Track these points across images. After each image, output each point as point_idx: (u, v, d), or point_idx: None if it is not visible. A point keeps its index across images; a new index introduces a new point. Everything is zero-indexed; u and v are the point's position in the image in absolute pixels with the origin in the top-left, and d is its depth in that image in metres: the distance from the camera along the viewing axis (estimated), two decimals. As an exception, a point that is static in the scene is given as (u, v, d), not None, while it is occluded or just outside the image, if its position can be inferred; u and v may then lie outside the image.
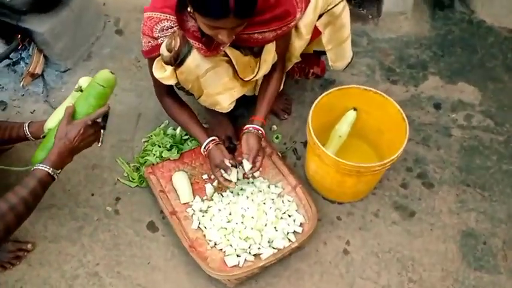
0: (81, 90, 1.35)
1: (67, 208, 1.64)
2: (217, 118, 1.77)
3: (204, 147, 1.52)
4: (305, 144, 1.83)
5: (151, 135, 1.81)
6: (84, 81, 1.37)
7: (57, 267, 1.50)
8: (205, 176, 1.70)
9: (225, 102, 1.53)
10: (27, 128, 1.41)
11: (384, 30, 2.26)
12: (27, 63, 1.96)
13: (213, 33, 1.21)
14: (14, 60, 1.98)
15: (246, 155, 1.48)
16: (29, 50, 1.96)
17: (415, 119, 1.90)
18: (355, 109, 1.66)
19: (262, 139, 1.53)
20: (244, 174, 1.53)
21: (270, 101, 1.58)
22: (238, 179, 1.63)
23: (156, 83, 1.49)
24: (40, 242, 1.55)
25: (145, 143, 1.80)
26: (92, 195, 1.67)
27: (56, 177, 1.20)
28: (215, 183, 1.66)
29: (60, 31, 1.89)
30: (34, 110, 1.89)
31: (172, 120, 1.65)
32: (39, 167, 1.17)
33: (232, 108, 1.57)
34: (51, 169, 1.18)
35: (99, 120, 1.29)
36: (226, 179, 1.50)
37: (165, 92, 1.55)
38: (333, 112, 1.66)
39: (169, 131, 1.82)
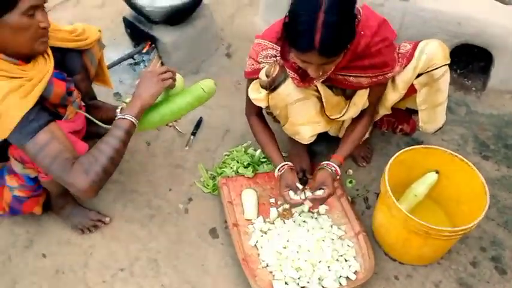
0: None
1: (146, 196, 1.80)
2: (297, 149, 1.85)
3: (279, 169, 1.59)
4: (378, 195, 1.82)
5: (233, 151, 1.94)
6: (178, 78, 1.50)
7: (124, 245, 1.65)
8: (272, 200, 1.77)
9: (307, 134, 1.60)
10: (118, 111, 1.55)
11: (485, 105, 2.21)
12: (145, 66, 2.25)
13: (303, 66, 1.30)
14: (136, 61, 2.28)
15: (316, 187, 1.52)
16: (150, 54, 2.25)
17: (501, 200, 1.80)
18: (437, 172, 1.63)
19: (336, 177, 1.55)
20: (310, 207, 1.58)
21: (353, 145, 1.62)
22: (303, 211, 1.68)
23: (249, 101, 1.62)
24: (116, 219, 1.72)
25: (226, 157, 1.94)
26: (170, 190, 1.83)
27: (136, 123, 1.32)
28: (280, 209, 1.72)
29: (181, 44, 2.15)
30: (141, 106, 2.14)
31: (255, 142, 1.75)
32: (126, 118, 1.30)
33: (311, 141, 1.64)
34: (133, 118, 1.30)
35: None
36: (292, 199, 1.53)
37: (254, 111, 1.68)
38: (413, 170, 1.65)
39: (250, 150, 1.94)
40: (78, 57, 1.55)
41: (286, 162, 1.60)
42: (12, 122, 1.16)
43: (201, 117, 2.07)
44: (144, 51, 2.21)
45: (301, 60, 1.26)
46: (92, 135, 1.67)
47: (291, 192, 1.54)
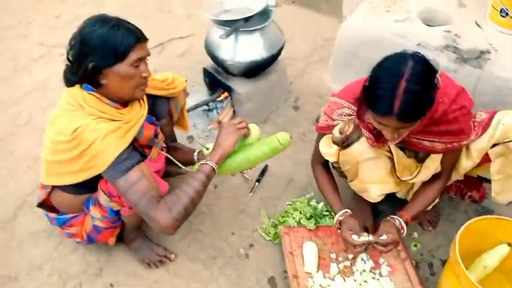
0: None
1: (210, 237, 1.87)
2: (361, 206, 1.85)
3: (340, 214, 1.59)
4: (443, 262, 1.76)
5: (296, 201, 1.98)
6: (252, 127, 1.59)
7: (187, 283, 1.70)
8: (333, 255, 1.76)
9: (375, 193, 1.61)
10: (196, 154, 1.74)
11: None
12: (218, 113, 2.40)
13: (379, 128, 1.34)
14: (210, 108, 2.44)
15: (379, 237, 1.50)
16: (223, 103, 2.40)
17: None
18: (509, 245, 1.56)
19: (401, 231, 1.52)
20: (371, 267, 1.56)
21: (422, 207, 1.60)
22: (364, 270, 1.66)
23: (316, 151, 1.68)
24: (181, 256, 1.79)
25: (289, 206, 1.98)
26: (232, 234, 1.89)
27: (216, 168, 1.42)
28: (341, 266, 1.71)
29: (253, 95, 2.29)
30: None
31: (318, 194, 1.78)
32: (204, 163, 1.41)
33: (379, 200, 1.64)
34: (213, 163, 1.41)
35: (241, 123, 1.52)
36: (355, 241, 1.51)
37: (321, 161, 1.72)
38: (483, 240, 1.58)
39: (313, 202, 1.97)
40: (166, 103, 1.72)
41: (347, 210, 1.61)
42: (108, 159, 1.30)
43: (266, 165, 2.15)
44: (219, 99, 2.37)
45: (378, 122, 1.30)
46: (167, 174, 1.80)
47: (354, 236, 1.52)
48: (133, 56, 1.33)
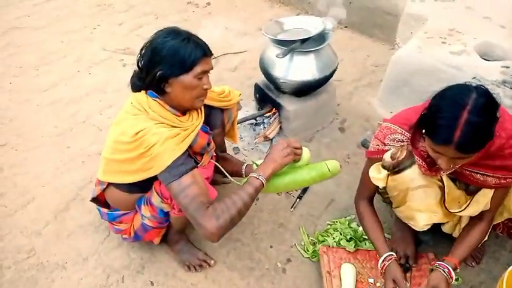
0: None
1: (248, 248, 1.90)
2: (403, 233, 1.83)
3: (385, 258, 1.59)
4: (486, 300, 1.70)
5: (337, 221, 1.99)
6: (304, 151, 1.62)
7: (224, 291, 1.75)
8: (371, 280, 1.74)
9: (422, 221, 1.59)
10: (244, 167, 1.79)
11: None
12: (265, 127, 2.45)
13: (435, 156, 1.33)
14: (257, 122, 2.50)
15: None
16: (271, 118, 2.46)
17: None
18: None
19: (450, 281, 1.49)
20: None
21: (469, 249, 1.56)
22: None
23: (362, 185, 1.70)
24: (219, 263, 1.83)
25: (329, 226, 1.98)
26: (271, 247, 1.91)
27: (264, 182, 1.44)
28: (379, 293, 1.69)
29: (301, 113, 2.33)
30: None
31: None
32: (253, 176, 1.43)
33: (425, 229, 1.62)
34: (262, 177, 1.43)
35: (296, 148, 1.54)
36: None
37: (366, 196, 1.73)
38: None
39: (353, 225, 1.97)
40: (220, 114, 1.79)
41: (389, 253, 1.60)
42: (166, 163, 1.37)
43: (309, 183, 2.17)
44: (267, 114, 2.43)
45: (435, 151, 1.30)
46: (212, 182, 1.86)
47: None
48: (198, 68, 1.41)
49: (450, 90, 1.28)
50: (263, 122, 2.48)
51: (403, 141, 1.54)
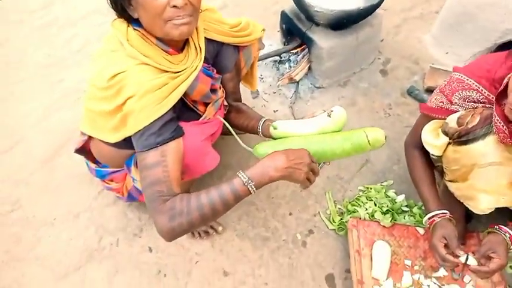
0: (329, 116, 1.25)
1: (263, 213, 1.62)
2: (451, 208, 1.48)
3: (436, 215, 1.30)
4: (547, 296, 1.41)
5: (371, 188, 1.66)
6: (338, 110, 1.24)
7: (233, 263, 1.49)
8: (407, 262, 1.46)
9: (485, 204, 1.25)
10: (261, 123, 1.38)
11: None
12: (291, 67, 2.05)
13: None
14: (282, 59, 2.09)
15: (483, 253, 1.21)
16: (298, 56, 2.04)
17: None
18: None
19: (510, 249, 1.21)
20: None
21: None
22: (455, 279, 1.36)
23: (415, 134, 1.35)
24: (229, 230, 1.57)
25: (361, 193, 1.66)
26: (290, 214, 1.62)
27: (253, 191, 1.06)
28: (415, 276, 1.41)
29: (337, 52, 1.90)
30: (277, 110, 1.95)
31: (398, 183, 1.50)
32: (239, 177, 1.05)
33: (486, 213, 1.29)
34: (248, 180, 1.04)
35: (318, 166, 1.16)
36: (446, 256, 1.22)
37: (419, 144, 1.37)
38: None
39: (391, 193, 1.64)
40: (235, 53, 1.40)
41: (445, 211, 1.30)
42: (138, 125, 1.05)
43: (339, 138, 1.81)
44: (294, 51, 2.00)
45: None
46: (225, 133, 1.52)
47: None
48: None
49: None
50: (289, 60, 2.06)
51: (479, 102, 1.15)
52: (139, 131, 1.05)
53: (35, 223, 1.59)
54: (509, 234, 1.21)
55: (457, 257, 1.23)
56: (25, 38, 2.33)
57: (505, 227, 1.23)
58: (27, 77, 2.12)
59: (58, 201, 1.65)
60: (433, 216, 1.31)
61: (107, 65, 1.08)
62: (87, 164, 1.47)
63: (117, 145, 1.23)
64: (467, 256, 1.23)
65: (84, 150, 1.43)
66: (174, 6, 1.01)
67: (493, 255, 1.20)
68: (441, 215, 1.30)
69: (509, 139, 1.10)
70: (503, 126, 1.09)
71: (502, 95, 1.08)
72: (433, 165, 1.39)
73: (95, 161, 1.44)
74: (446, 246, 1.26)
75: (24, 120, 1.93)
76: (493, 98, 1.14)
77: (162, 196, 1.03)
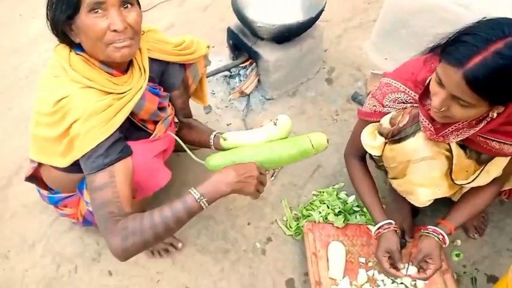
0: (275, 124, 1.32)
1: (222, 226, 1.65)
2: (398, 203, 1.59)
3: (381, 226, 1.37)
4: (489, 277, 1.52)
5: (323, 192, 1.74)
6: (282, 119, 1.32)
7: (194, 279, 1.51)
8: (362, 260, 1.53)
9: (423, 197, 1.35)
10: (212, 137, 1.42)
11: None
12: (241, 81, 2.11)
13: (434, 91, 1.06)
14: (232, 74, 2.14)
15: (419, 259, 1.30)
16: (247, 69, 2.10)
17: None
18: None
19: (443, 246, 1.32)
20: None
21: (470, 214, 1.36)
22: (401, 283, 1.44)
23: (354, 141, 1.44)
24: (189, 246, 1.59)
25: (314, 197, 1.73)
26: (248, 224, 1.66)
27: (205, 207, 1.10)
28: (370, 273, 1.49)
29: (283, 64, 1.98)
30: (230, 124, 2.00)
31: (348, 185, 1.56)
32: (191, 193, 1.08)
33: (426, 205, 1.39)
34: (200, 197, 1.08)
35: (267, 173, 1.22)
36: (390, 270, 1.31)
37: (358, 154, 1.47)
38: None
39: (342, 195, 1.72)
40: (181, 71, 1.44)
41: (390, 221, 1.38)
42: (85, 148, 1.06)
43: (291, 146, 1.88)
44: (243, 65, 2.07)
45: (438, 78, 1.02)
46: (178, 149, 1.55)
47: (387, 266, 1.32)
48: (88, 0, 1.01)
49: (497, 18, 0.98)
50: (239, 74, 2.12)
51: (407, 102, 1.25)
52: (86, 153, 1.06)
53: (-13, 257, 1.55)
54: (442, 235, 1.30)
55: (399, 269, 1.32)
56: (-32, 68, 2.28)
57: (437, 229, 1.32)
58: (-28, 107, 2.07)
59: (12, 232, 1.61)
60: (379, 228, 1.38)
61: (51, 91, 1.09)
62: (39, 192, 1.45)
63: (67, 170, 1.23)
64: (408, 266, 1.32)
65: (35, 178, 1.42)
66: (114, 31, 1.04)
67: (429, 260, 1.29)
68: (386, 226, 1.37)
69: (435, 136, 1.20)
70: (428, 124, 1.18)
71: (424, 96, 1.18)
72: (371, 175, 1.48)
73: (46, 187, 1.43)
74: (390, 257, 1.35)
75: (-29, 152, 1.88)
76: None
77: (113, 217, 1.04)
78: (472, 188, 1.39)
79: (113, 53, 1.08)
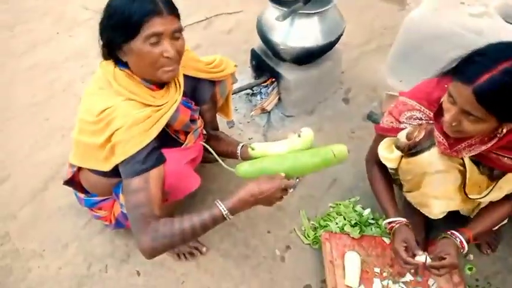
0: (299, 136, 1.43)
1: (244, 233, 1.74)
2: (413, 219, 1.66)
3: (394, 221, 1.44)
4: (501, 292, 1.57)
5: (340, 204, 1.82)
6: (306, 131, 1.43)
7: (217, 281, 1.59)
8: (376, 270, 1.60)
9: (437, 209, 1.43)
10: (239, 148, 1.55)
11: None
12: (262, 98, 2.23)
13: (446, 108, 1.16)
14: (254, 92, 2.27)
15: (436, 255, 1.35)
16: (268, 88, 2.23)
17: None
18: None
19: (461, 251, 1.36)
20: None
21: (488, 226, 1.42)
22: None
23: (373, 150, 1.53)
24: (212, 251, 1.68)
25: (331, 209, 1.82)
26: (268, 232, 1.75)
27: (228, 219, 1.23)
28: (385, 282, 1.55)
29: (303, 83, 2.11)
30: (251, 138, 2.12)
31: (364, 198, 1.66)
32: (218, 206, 1.21)
33: (439, 217, 1.46)
34: (226, 212, 1.20)
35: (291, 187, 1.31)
36: (407, 259, 1.36)
37: (377, 159, 1.54)
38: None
39: (358, 208, 1.80)
40: (211, 87, 1.57)
41: (404, 219, 1.45)
42: (127, 153, 1.18)
43: (310, 161, 1.98)
44: (264, 84, 2.20)
45: (450, 95, 1.12)
46: (205, 160, 1.67)
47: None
48: (147, 30, 1.13)
49: (508, 42, 1.09)
50: (260, 92, 2.25)
51: (422, 119, 1.35)
52: (126, 159, 1.18)
53: (24, 255, 1.66)
54: (460, 239, 1.36)
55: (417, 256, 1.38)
56: (9, 81, 2.45)
57: (456, 233, 1.38)
58: (13, 117, 2.22)
59: (47, 232, 1.73)
60: (391, 222, 1.45)
61: (96, 102, 1.22)
62: (76, 195, 1.57)
63: (105, 174, 1.35)
64: (426, 256, 1.38)
65: (72, 182, 1.54)
66: (167, 57, 1.18)
67: (445, 255, 1.33)
68: (398, 221, 1.44)
69: (448, 150, 1.29)
70: (442, 139, 1.28)
71: (438, 113, 1.28)
72: (390, 177, 1.55)
73: (83, 191, 1.54)
74: (406, 249, 1.41)
75: (12, 157, 2.01)
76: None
77: (145, 218, 1.17)
78: (490, 203, 1.46)
79: (162, 75, 1.22)
